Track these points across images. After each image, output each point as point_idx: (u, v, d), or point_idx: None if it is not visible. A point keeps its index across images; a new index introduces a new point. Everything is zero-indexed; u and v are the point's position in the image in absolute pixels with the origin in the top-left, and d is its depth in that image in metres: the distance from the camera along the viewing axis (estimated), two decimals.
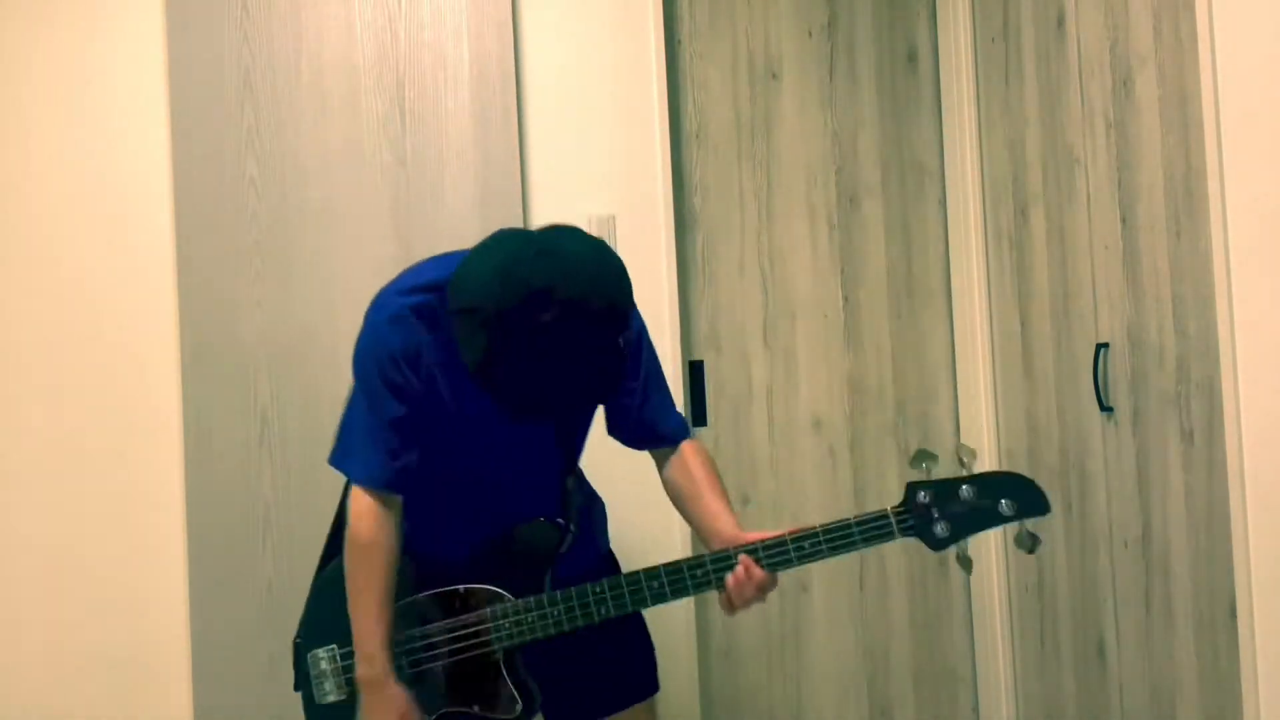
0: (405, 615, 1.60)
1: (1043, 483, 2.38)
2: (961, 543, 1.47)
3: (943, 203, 2.74)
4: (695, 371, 2.58)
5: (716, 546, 1.53)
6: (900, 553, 2.70)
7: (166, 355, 2.41)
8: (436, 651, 1.59)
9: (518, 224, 2.40)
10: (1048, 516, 1.44)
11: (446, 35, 2.49)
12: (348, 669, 1.64)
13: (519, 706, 1.56)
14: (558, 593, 1.55)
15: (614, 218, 2.45)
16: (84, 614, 2.40)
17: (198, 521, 2.38)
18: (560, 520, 1.61)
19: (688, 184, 2.63)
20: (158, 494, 2.40)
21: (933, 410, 2.72)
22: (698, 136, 2.64)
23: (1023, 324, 2.46)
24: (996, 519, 1.45)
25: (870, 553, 2.67)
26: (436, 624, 1.60)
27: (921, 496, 1.46)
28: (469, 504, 1.65)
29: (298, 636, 1.76)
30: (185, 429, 2.39)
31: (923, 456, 1.50)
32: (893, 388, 2.71)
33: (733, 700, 2.59)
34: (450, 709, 1.59)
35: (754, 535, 1.51)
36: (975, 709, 2.71)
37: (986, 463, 2.62)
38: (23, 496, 2.40)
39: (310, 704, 1.74)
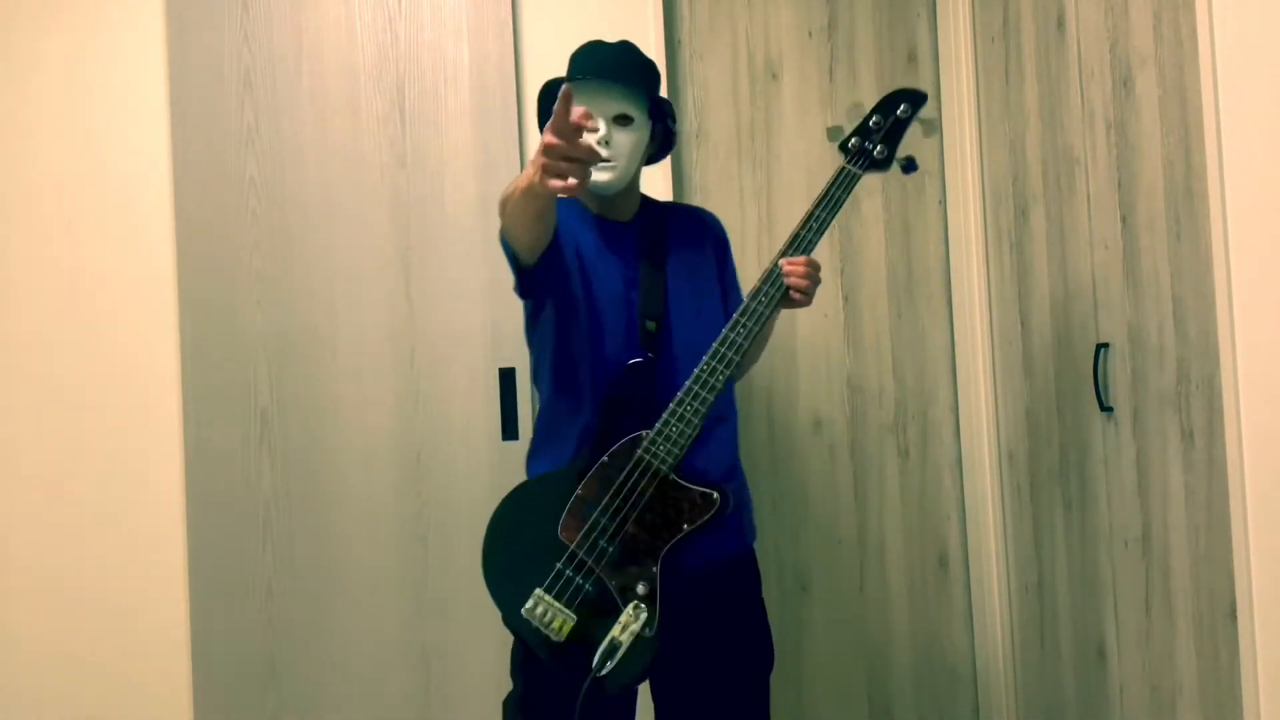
0: (579, 512, 1.73)
1: (1042, 483, 2.40)
2: (898, 155, 1.85)
3: (943, 203, 2.74)
4: None
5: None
6: (900, 552, 2.70)
7: (166, 355, 2.41)
8: (624, 513, 1.71)
9: None
10: (929, 105, 1.88)
11: (446, 35, 2.49)
12: (560, 590, 1.71)
13: (715, 496, 1.71)
14: (677, 394, 1.72)
15: None
16: (84, 614, 2.40)
17: (198, 521, 2.38)
18: (641, 356, 1.80)
19: (688, 184, 2.63)
20: (158, 494, 2.40)
21: (933, 410, 2.72)
22: (698, 136, 2.65)
23: (1023, 324, 2.46)
24: (904, 122, 1.84)
25: (870, 553, 2.68)
26: (607, 496, 1.72)
27: (853, 143, 1.83)
28: (587, 367, 1.83)
29: (509, 623, 1.78)
30: (185, 429, 2.39)
31: (835, 131, 1.87)
32: (893, 388, 2.71)
33: None
34: (668, 546, 1.70)
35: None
36: (975, 709, 2.71)
37: (987, 463, 2.63)
38: (22, 496, 2.40)
39: (538, 681, 1.79)
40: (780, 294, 1.76)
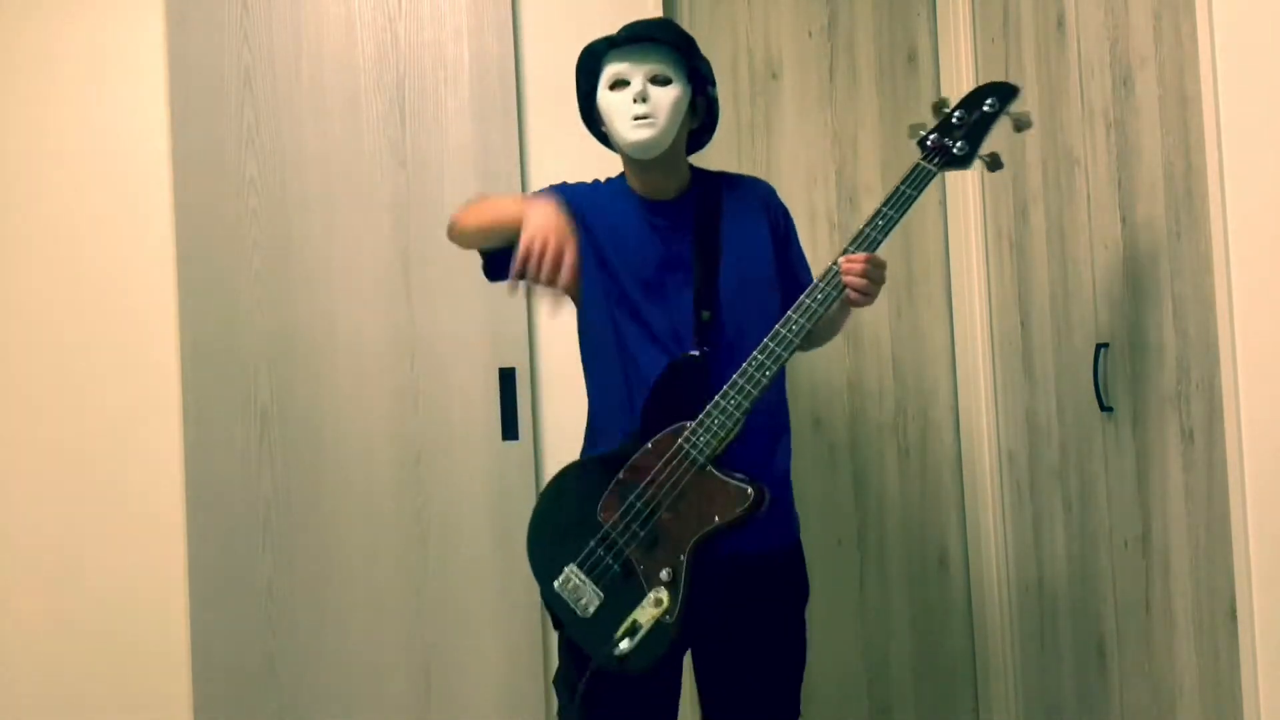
0: (619, 495, 1.73)
1: (1042, 483, 2.41)
2: (981, 153, 1.75)
3: (943, 203, 2.74)
4: None
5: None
6: (900, 552, 2.70)
7: (166, 355, 2.41)
8: (658, 500, 1.71)
9: None
10: (1022, 102, 1.77)
11: (446, 35, 2.49)
12: (590, 568, 1.74)
13: (749, 490, 1.68)
14: (724, 388, 1.70)
15: None
16: (84, 614, 2.40)
17: (198, 521, 2.38)
18: (695, 349, 1.80)
19: None
20: (158, 494, 2.40)
21: (933, 410, 2.72)
22: None
23: (1023, 324, 2.46)
24: (990, 117, 1.74)
25: (870, 552, 2.68)
26: (644, 482, 1.72)
27: (931, 140, 1.75)
28: (631, 355, 1.83)
29: (544, 595, 1.81)
30: (185, 429, 2.39)
31: (917, 128, 1.78)
32: (893, 388, 2.71)
33: None
34: (699, 537, 1.69)
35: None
36: (975, 709, 2.71)
37: (987, 463, 2.63)
38: (23, 496, 2.40)
39: (573, 652, 1.82)
40: (838, 292, 1.70)
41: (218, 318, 2.41)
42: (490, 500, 2.44)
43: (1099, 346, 2.10)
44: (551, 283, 1.66)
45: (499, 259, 1.81)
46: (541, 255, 1.64)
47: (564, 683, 1.87)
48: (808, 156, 2.69)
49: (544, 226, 1.66)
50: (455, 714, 2.44)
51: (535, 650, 2.43)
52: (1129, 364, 2.02)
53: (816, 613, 2.66)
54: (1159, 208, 1.90)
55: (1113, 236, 2.06)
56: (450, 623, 2.44)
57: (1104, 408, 2.10)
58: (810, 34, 2.71)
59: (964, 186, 2.66)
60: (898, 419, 2.71)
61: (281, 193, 2.44)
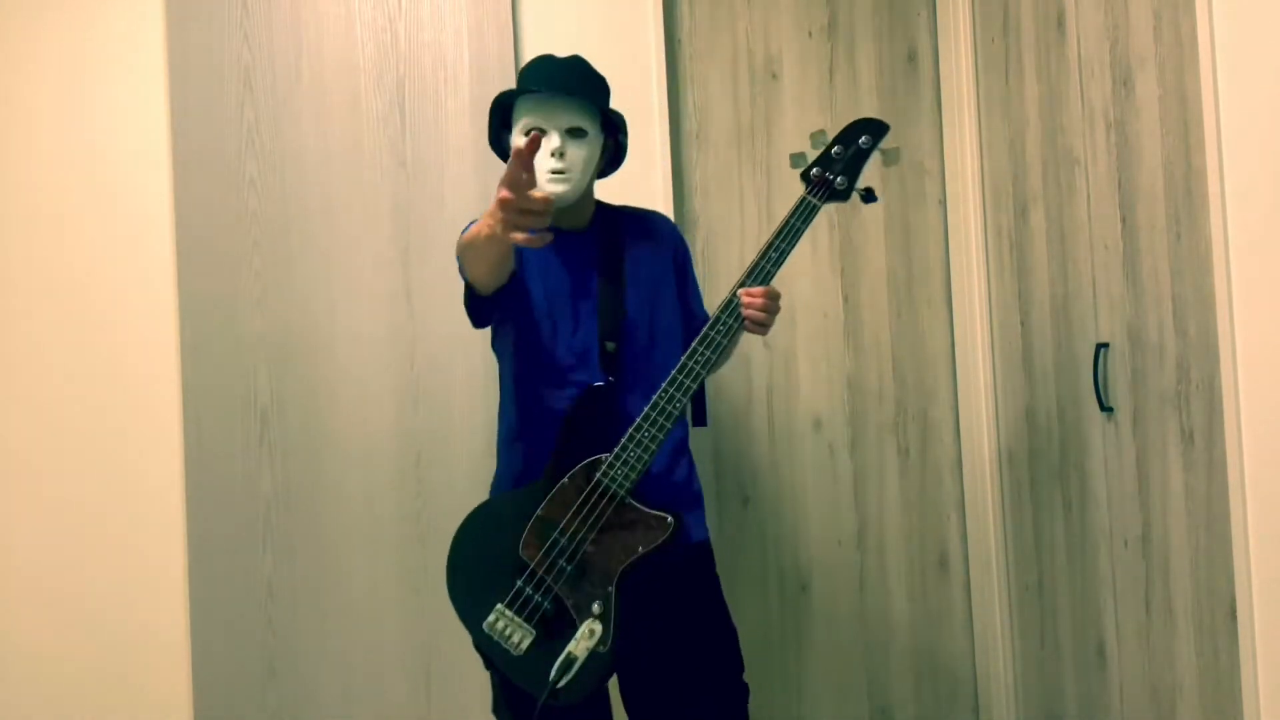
0: (539, 532, 1.77)
1: (1042, 483, 2.41)
2: (857, 185, 1.86)
3: (943, 203, 2.74)
4: None
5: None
6: (900, 552, 2.70)
7: (166, 355, 2.41)
8: (582, 535, 1.75)
9: None
10: (890, 134, 1.87)
11: (446, 35, 2.49)
12: (520, 607, 1.76)
13: (668, 519, 1.75)
14: (637, 420, 1.75)
15: None
16: (84, 615, 2.40)
17: (198, 521, 2.38)
18: (602, 380, 1.84)
19: (688, 184, 2.63)
20: (158, 494, 2.40)
21: (933, 410, 2.72)
22: (698, 136, 2.65)
23: (1023, 324, 2.46)
24: (865, 153, 1.85)
25: (870, 553, 2.68)
26: (566, 517, 1.76)
27: (814, 173, 1.84)
28: (536, 383, 1.87)
29: (477, 644, 1.84)
30: (185, 429, 2.39)
31: (798, 158, 1.87)
32: (893, 388, 2.71)
33: None
34: (624, 567, 1.74)
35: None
36: (975, 709, 2.71)
37: (987, 463, 2.63)
38: (22, 496, 2.40)
39: (507, 689, 1.86)
40: (738, 324, 1.78)
41: (218, 318, 2.41)
42: None
43: (1099, 346, 2.10)
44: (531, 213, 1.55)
45: (485, 304, 1.85)
46: (514, 207, 1.53)
47: (503, 712, 1.90)
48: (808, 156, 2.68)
49: (498, 198, 1.56)
50: (455, 714, 2.44)
51: None
52: (1129, 364, 2.02)
53: (817, 613, 2.68)
54: (1159, 208, 1.90)
55: (1113, 236, 2.06)
56: (450, 623, 2.43)
57: (1104, 408, 2.10)
58: (810, 34, 2.71)
59: (964, 186, 2.66)
60: (898, 419, 2.71)
61: (281, 193, 2.44)
